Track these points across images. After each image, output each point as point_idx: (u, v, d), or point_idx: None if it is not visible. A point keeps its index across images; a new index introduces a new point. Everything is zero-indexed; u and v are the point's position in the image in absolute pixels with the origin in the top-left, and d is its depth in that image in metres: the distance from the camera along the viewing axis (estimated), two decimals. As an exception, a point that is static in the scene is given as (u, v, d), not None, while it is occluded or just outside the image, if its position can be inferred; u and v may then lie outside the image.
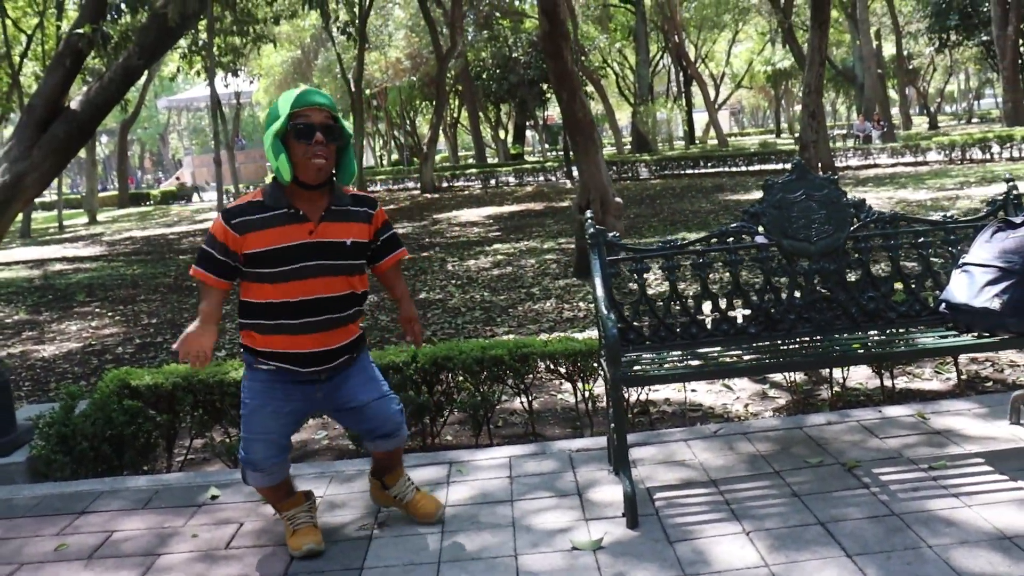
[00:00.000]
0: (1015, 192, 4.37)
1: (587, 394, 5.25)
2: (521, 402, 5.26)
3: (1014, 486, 3.72)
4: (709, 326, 4.26)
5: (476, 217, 21.52)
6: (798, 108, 74.65)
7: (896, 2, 42.32)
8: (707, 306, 4.32)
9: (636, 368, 3.91)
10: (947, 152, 26.02)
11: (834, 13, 37.29)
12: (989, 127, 35.10)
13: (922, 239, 4.38)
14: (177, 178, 50.06)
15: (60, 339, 10.27)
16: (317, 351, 3.52)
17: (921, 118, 54.16)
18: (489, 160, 44.57)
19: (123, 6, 16.40)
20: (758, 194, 21.49)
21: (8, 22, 28.20)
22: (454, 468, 4.44)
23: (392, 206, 27.46)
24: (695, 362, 4.02)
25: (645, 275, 4.26)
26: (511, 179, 33.49)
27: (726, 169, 29.42)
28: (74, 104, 19.99)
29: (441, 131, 39.51)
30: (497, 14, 39.49)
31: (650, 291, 7.76)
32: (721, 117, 49.75)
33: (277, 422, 3.56)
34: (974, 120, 52.16)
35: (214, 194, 44.55)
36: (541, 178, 32.84)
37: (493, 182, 33.21)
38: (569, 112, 11.00)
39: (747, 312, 4.29)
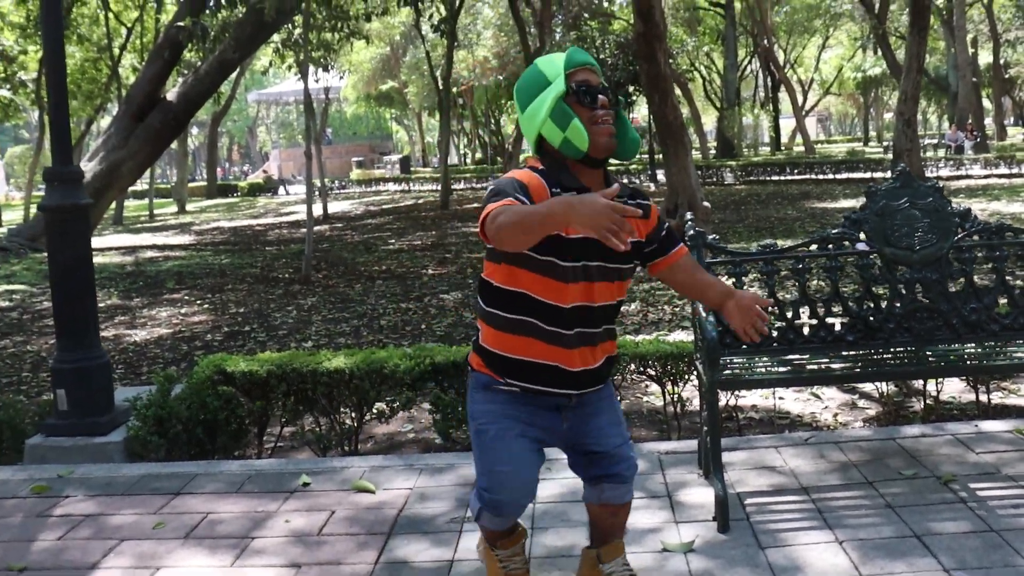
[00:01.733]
0: None
1: (676, 397, 5.23)
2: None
3: (1119, 507, 3.63)
4: (806, 332, 4.22)
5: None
6: (887, 116, 73.38)
7: (995, 9, 41.29)
8: (804, 312, 4.28)
9: (732, 371, 3.89)
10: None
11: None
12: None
13: (1028, 251, 4.30)
14: (264, 171, 50.92)
15: (151, 324, 10.52)
16: (578, 371, 2.87)
17: (1016, 129, 52.80)
18: (572, 162, 44.47)
19: (222, 0, 16.75)
20: (846, 202, 21.31)
21: (110, 15, 28.98)
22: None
23: (475, 204, 27.61)
24: (790, 368, 3.98)
25: (743, 279, 4.23)
26: (594, 181, 33.40)
27: (813, 176, 29.04)
28: (170, 95, 20.54)
29: (525, 131, 39.54)
30: (586, 15, 39.46)
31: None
32: (808, 124, 49.07)
33: (525, 448, 2.88)
34: (1074, 132, 50.67)
35: (300, 187, 45.31)
36: (625, 180, 32.73)
37: (577, 183, 33.14)
38: (660, 115, 10.98)
39: (845, 320, 4.24)
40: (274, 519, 4.00)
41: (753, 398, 5.89)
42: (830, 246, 4.30)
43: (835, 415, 5.58)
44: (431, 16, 23.94)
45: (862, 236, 4.25)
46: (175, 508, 4.20)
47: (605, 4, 42.17)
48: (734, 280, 4.25)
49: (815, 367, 3.98)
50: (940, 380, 5.43)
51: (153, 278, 14.74)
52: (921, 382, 5.49)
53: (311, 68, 21.71)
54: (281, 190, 42.94)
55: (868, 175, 27.57)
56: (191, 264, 16.53)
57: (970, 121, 34.86)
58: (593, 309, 2.83)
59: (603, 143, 2.77)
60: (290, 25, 20.22)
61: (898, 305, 4.22)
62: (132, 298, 12.60)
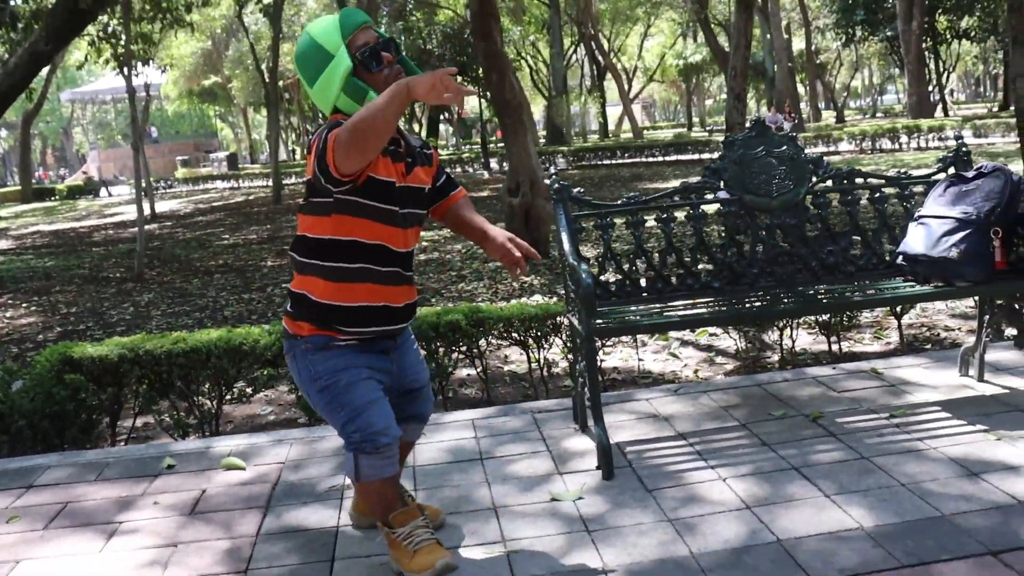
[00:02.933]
0: (964, 149, 4.46)
1: (542, 360, 5.22)
2: (476, 369, 5.21)
3: (972, 428, 3.81)
4: (674, 281, 4.27)
5: (397, 207, 21.36)
6: (709, 103, 75.91)
7: (804, -3, 43.26)
8: (671, 262, 4.33)
9: (604, 321, 3.89)
10: (858, 142, 26.66)
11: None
12: (893, 120, 36.04)
13: (878, 194, 4.45)
14: (84, 172, 48.79)
15: (-27, 330, 9.91)
16: (402, 306, 3.00)
17: (828, 112, 55.39)
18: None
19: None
20: (676, 182, 21.85)
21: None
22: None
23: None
24: (661, 315, 4.02)
25: (609, 231, 4.24)
26: (427, 171, 33.39)
27: (643, 159, 29.78)
28: (-23, 92, 19.34)
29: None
30: (411, 5, 39.31)
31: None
32: (634, 111, 50.25)
33: (380, 388, 2.96)
34: (878, 114, 53.54)
35: (122, 188, 43.61)
36: (459, 169, 32.80)
37: (410, 174, 33.05)
38: (499, 93, 10.97)
39: (711, 267, 4.31)
40: (141, 501, 3.79)
41: (613, 360, 5.95)
42: (693, 195, 4.36)
43: (696, 371, 5.69)
44: (258, 1, 23.35)
45: (723, 185, 4.32)
46: (29, 501, 3.92)
47: (430, -5, 42.11)
48: (601, 232, 4.27)
49: (685, 313, 4.02)
50: (794, 332, 5.60)
51: (-33, 284, 13.89)
52: (776, 334, 5.65)
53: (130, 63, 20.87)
54: (103, 191, 41.24)
55: (696, 156, 28.45)
56: (12, 268, 15.65)
57: (788, 103, 36.34)
58: (410, 252, 3.01)
59: None
60: (106, 16, 19.39)
61: (760, 250, 4.31)
62: (-53, 305, 11.83)
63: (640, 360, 5.97)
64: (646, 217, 4.36)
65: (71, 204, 37.20)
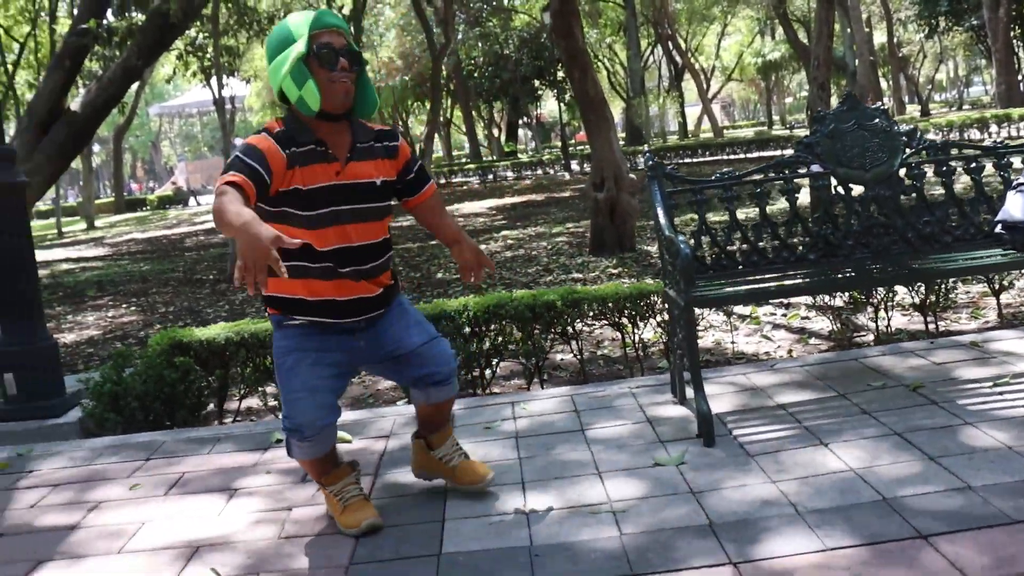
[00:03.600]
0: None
1: (637, 339, 5.27)
2: (571, 349, 5.28)
3: (1082, 396, 3.77)
4: (770, 254, 4.30)
5: (479, 209, 21.57)
6: (788, 100, 74.91)
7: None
8: (765, 235, 4.36)
9: (701, 293, 3.94)
10: (945, 133, 26.13)
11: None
12: (982, 111, 35.26)
13: (974, 164, 4.43)
14: (173, 183, 49.99)
15: (79, 328, 10.27)
16: (352, 299, 3.15)
17: (912, 106, 54.34)
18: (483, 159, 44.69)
19: (127, 1, 16.41)
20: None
21: (0, 31, 28.20)
22: (517, 406, 4.47)
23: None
24: (758, 285, 4.05)
25: (703, 207, 4.29)
26: (508, 174, 33.59)
27: (724, 157, 29.55)
28: (74, 106, 19.99)
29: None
30: (487, 10, 39.56)
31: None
32: (713, 110, 49.85)
33: (320, 375, 3.12)
34: (964, 107, 52.34)
35: (210, 197, 44.52)
36: (539, 171, 32.92)
37: (491, 177, 33.28)
38: (581, 90, 11.03)
39: (806, 240, 4.33)
40: (254, 470, 3.94)
41: (706, 342, 5.97)
42: (786, 170, 4.39)
43: (789, 351, 5.69)
44: (342, 7, 23.75)
45: (815, 159, 4.34)
46: (148, 470, 4.10)
47: (506, 1, 42.32)
48: (696, 208, 4.31)
49: (782, 283, 4.05)
50: (889, 312, 5.57)
51: (72, 288, 14.37)
52: (870, 313, 5.62)
53: (215, 75, 21.37)
54: (192, 201, 42.20)
55: (778, 152, 28.16)
56: (110, 273, 16.15)
57: (870, 98, 35.74)
58: (356, 248, 3.12)
59: (338, 101, 3.08)
60: (193, 31, 19.90)
61: (855, 222, 4.32)
62: (54, 307, 12.25)
63: (733, 342, 5.98)
64: (739, 192, 4.39)
65: (162, 213, 38.17)
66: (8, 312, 5.19)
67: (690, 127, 53.59)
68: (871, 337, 5.64)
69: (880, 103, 28.88)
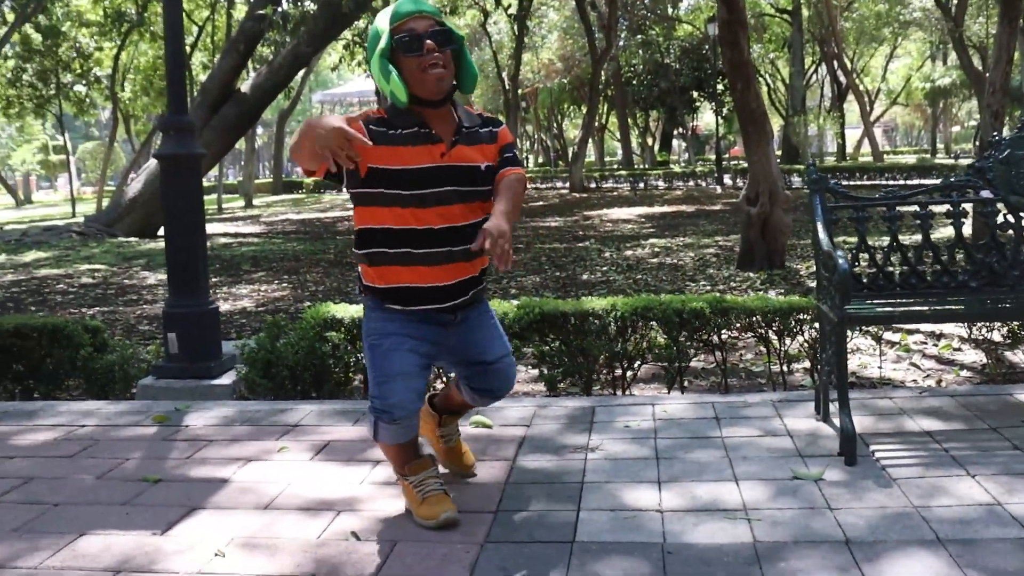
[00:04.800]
0: None
1: (782, 354, 5.22)
2: (715, 358, 5.26)
3: None
4: (929, 278, 4.20)
5: (627, 215, 21.55)
6: (955, 129, 72.25)
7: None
8: (927, 258, 4.26)
9: (861, 308, 3.89)
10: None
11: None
12: None
13: None
14: (329, 169, 51.42)
15: (233, 299, 10.69)
16: (456, 282, 3.18)
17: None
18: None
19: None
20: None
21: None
22: (657, 407, 4.49)
23: (541, 203, 27.69)
24: (913, 308, 3.97)
25: (866, 224, 4.23)
26: (659, 183, 33.44)
27: (882, 182, 28.74)
28: (244, 88, 20.81)
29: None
30: (650, 18, 39.43)
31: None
32: (874, 134, 48.46)
33: (414, 363, 3.15)
34: None
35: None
36: (690, 183, 32.67)
37: (642, 185, 33.18)
38: (743, 102, 10.92)
39: (968, 266, 4.22)
40: (396, 446, 4.06)
41: (852, 366, 5.85)
42: (954, 193, 4.29)
43: (938, 381, 5.53)
44: (509, 6, 24.06)
45: (986, 183, 4.22)
46: (296, 436, 4.28)
47: (670, 10, 42.10)
48: (857, 225, 4.25)
49: (938, 307, 3.96)
50: (1049, 347, 5.36)
51: (228, 261, 14.96)
52: (1029, 349, 5.42)
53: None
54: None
55: (939, 180, 27.25)
56: (265, 250, 16.75)
57: (1044, 131, 34.18)
58: (460, 228, 3.13)
59: (430, 86, 3.08)
60: (362, 22, 20.44)
61: (1022, 252, 4.19)
62: (212, 278, 12.78)
63: (880, 367, 5.86)
64: (903, 211, 4.31)
65: (316, 197, 39.36)
66: (177, 275, 5.48)
67: (849, 149, 52.26)
68: (1027, 374, 5.44)
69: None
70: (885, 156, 49.86)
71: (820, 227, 4.01)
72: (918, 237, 4.35)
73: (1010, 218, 4.22)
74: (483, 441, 4.10)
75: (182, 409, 4.81)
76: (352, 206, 3.24)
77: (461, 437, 3.71)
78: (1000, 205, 4.24)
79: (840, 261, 3.58)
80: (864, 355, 6.12)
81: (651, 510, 3.25)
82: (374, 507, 3.38)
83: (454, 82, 3.17)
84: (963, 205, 4.27)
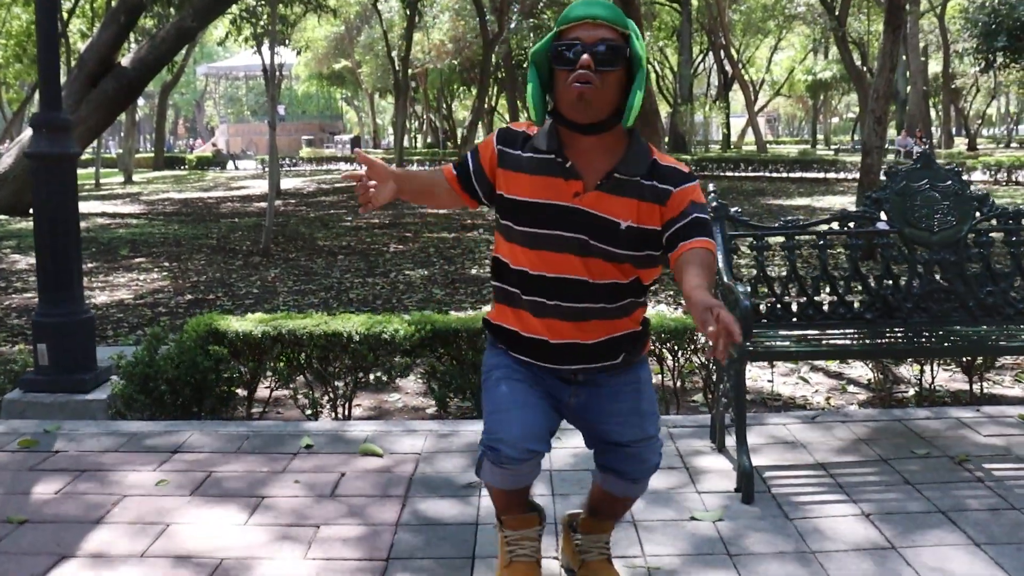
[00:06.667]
0: None
1: (676, 373, 5.19)
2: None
3: None
4: (825, 309, 4.21)
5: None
6: (834, 121, 74.37)
7: (946, 19, 41.99)
8: (824, 288, 4.27)
9: (756, 342, 3.86)
10: (992, 173, 25.84)
11: (880, 27, 37.04)
12: (1031, 152, 34.88)
13: (1046, 237, 4.32)
14: (213, 144, 50.21)
15: (110, 289, 10.27)
16: (563, 343, 2.66)
17: (960, 139, 53.80)
18: (524, 149, 44.58)
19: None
20: (800, 200, 21.54)
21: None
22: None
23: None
24: (809, 342, 3.97)
25: (764, 253, 4.21)
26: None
27: (766, 174, 29.34)
28: (125, 61, 20.07)
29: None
30: (542, 2, 39.41)
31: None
32: (758, 124, 49.50)
33: (534, 394, 2.67)
34: (1013, 144, 51.81)
35: (248, 162, 44.74)
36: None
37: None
38: (635, 99, 10.94)
39: (864, 298, 4.24)
40: (283, 478, 3.88)
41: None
42: (851, 224, 4.29)
43: (827, 399, 5.59)
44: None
45: (883, 216, 4.24)
46: (175, 465, 4.06)
47: (563, -6, 42.16)
48: (756, 253, 4.23)
49: (837, 343, 3.96)
50: (933, 368, 5.46)
51: (106, 245, 14.42)
52: (916, 369, 5.52)
53: (266, 42, 21.39)
54: (230, 164, 42.36)
55: (821, 175, 27.95)
56: (144, 233, 16.20)
57: (919, 128, 35.39)
58: (575, 282, 2.60)
59: (571, 105, 2.52)
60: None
61: (916, 285, 4.22)
62: (87, 263, 12.27)
63: (770, 381, 5.89)
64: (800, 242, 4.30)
65: (199, 174, 38.35)
66: (48, 282, 5.16)
67: (734, 138, 53.30)
68: (911, 392, 5.53)
69: (927, 140, 28.52)
70: (768, 145, 51.00)
71: (720, 258, 3.97)
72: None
73: (904, 250, 4.24)
74: (373, 473, 3.95)
75: (52, 431, 4.53)
76: None
77: (607, 555, 2.97)
78: (894, 236, 4.26)
79: (742, 298, 3.53)
80: (754, 367, 6.15)
81: (548, 556, 3.15)
82: (258, 557, 3.21)
83: (611, 108, 2.55)
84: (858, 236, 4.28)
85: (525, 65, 36.37)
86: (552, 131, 2.58)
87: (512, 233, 2.64)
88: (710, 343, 2.18)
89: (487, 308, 4.44)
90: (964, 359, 5.32)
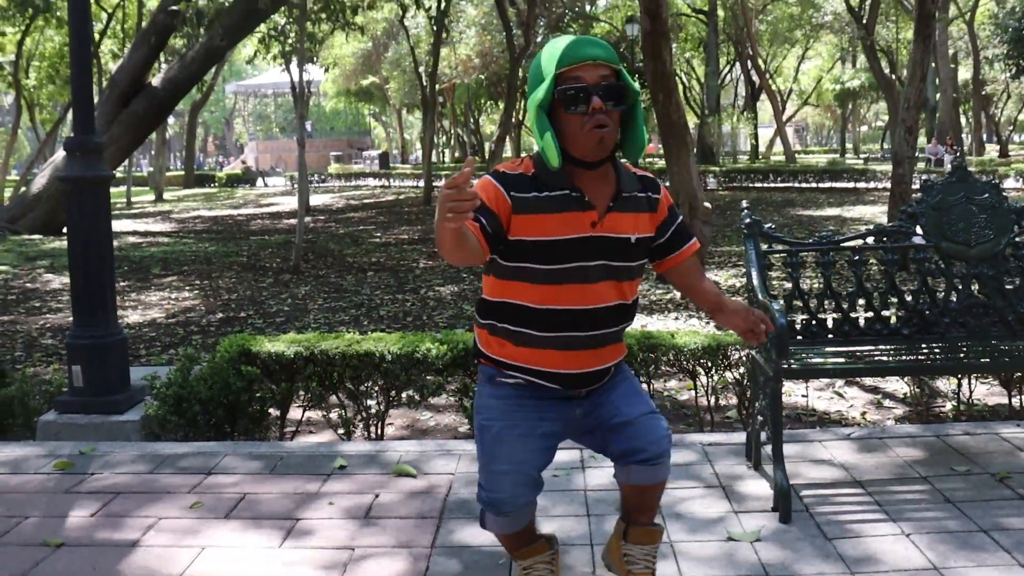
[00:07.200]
0: None
1: (710, 390, 5.15)
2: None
3: None
4: (862, 324, 4.16)
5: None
6: (863, 129, 73.89)
7: (975, 26, 41.68)
8: (860, 304, 4.23)
9: (794, 359, 3.82)
10: (1024, 180, 25.60)
11: (908, 34, 36.78)
12: (1063, 158, 34.52)
13: (1085, 250, 4.25)
14: (243, 162, 50.56)
15: (142, 307, 10.36)
16: (584, 372, 2.74)
17: (991, 146, 53.32)
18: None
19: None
20: (830, 211, 21.41)
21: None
22: (587, 453, 4.36)
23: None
24: (849, 359, 3.93)
25: (800, 270, 4.17)
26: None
27: (795, 184, 29.18)
28: (155, 81, 20.26)
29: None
30: (568, 17, 39.47)
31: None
32: (786, 133, 49.25)
33: (529, 447, 2.73)
34: (1045, 151, 51.26)
35: (278, 179, 45.01)
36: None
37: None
38: (664, 114, 10.90)
39: (901, 313, 4.19)
40: (317, 500, 3.88)
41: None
42: (886, 239, 4.25)
43: (863, 413, 5.53)
44: (429, 8, 23.82)
45: (918, 230, 4.19)
46: (209, 487, 4.06)
47: (588, 8, 42.21)
48: (791, 270, 4.19)
49: (875, 359, 3.92)
50: (972, 382, 5.39)
51: (138, 263, 14.54)
52: (954, 383, 5.45)
53: (294, 60, 21.50)
54: (260, 181, 42.63)
55: (851, 184, 27.75)
56: (175, 251, 16.32)
57: (950, 135, 35.11)
58: (597, 310, 2.68)
59: (590, 149, 2.59)
60: (277, 15, 20.02)
61: (954, 300, 4.17)
62: (119, 281, 12.37)
63: (804, 396, 5.84)
64: (836, 257, 4.26)
65: (229, 192, 38.60)
66: (82, 303, 5.20)
67: (762, 148, 53.06)
68: (949, 406, 5.46)
69: (958, 148, 28.31)
70: (797, 155, 50.74)
71: (755, 274, 3.93)
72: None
73: (941, 264, 4.19)
74: (407, 495, 3.94)
75: (87, 453, 4.55)
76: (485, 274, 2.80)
77: (653, 563, 2.99)
78: (931, 251, 4.21)
79: (778, 316, 3.50)
80: (789, 382, 6.09)
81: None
82: (294, 577, 3.20)
83: (616, 141, 2.67)
84: (895, 251, 4.23)
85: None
86: (563, 169, 2.62)
87: (534, 274, 2.64)
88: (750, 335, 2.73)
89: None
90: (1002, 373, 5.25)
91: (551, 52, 2.61)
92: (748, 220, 4.08)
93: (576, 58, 2.56)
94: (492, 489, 2.72)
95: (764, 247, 4.14)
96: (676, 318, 8.61)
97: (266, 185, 41.93)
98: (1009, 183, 26.04)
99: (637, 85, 2.65)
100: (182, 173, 45.70)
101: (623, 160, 2.75)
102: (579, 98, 2.55)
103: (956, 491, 3.80)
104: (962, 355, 3.97)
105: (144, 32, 20.75)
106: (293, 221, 19.15)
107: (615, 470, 2.92)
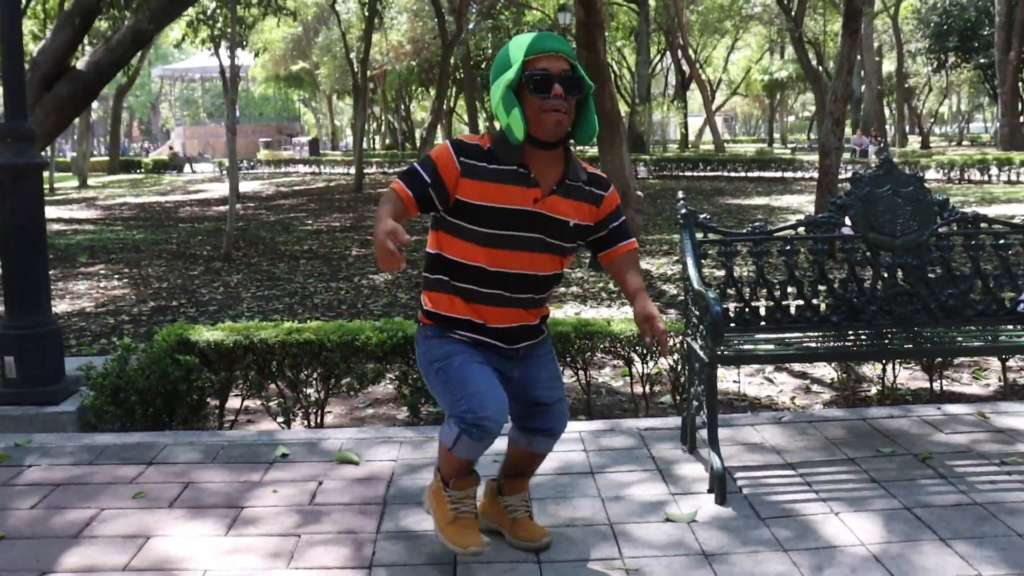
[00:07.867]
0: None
1: (645, 377, 5.26)
2: (578, 379, 5.27)
3: (1092, 486, 3.77)
4: (793, 312, 4.30)
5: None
6: (790, 119, 75.07)
7: (899, 20, 42.58)
8: (791, 293, 4.36)
9: (726, 346, 3.94)
10: (945, 171, 26.24)
11: (835, 27, 37.47)
12: (981, 149, 35.42)
13: (1002, 240, 4.43)
14: (170, 147, 49.74)
15: (70, 297, 10.21)
16: (516, 326, 3.14)
17: (914, 137, 54.53)
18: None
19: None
20: (759, 200, 21.77)
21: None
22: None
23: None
24: (780, 345, 4.06)
25: (733, 259, 4.29)
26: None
27: (724, 173, 29.59)
28: (80, 64, 19.78)
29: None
30: (500, 4, 39.45)
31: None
32: (716, 123, 49.84)
33: (491, 375, 3.04)
34: (964, 142, 52.60)
35: (205, 165, 44.40)
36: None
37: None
38: (598, 103, 10.99)
39: (830, 301, 4.34)
40: (261, 489, 3.90)
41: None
42: (816, 229, 4.39)
43: (792, 398, 5.69)
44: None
45: (847, 221, 4.34)
46: (151, 477, 4.06)
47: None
48: (724, 259, 4.31)
49: (806, 345, 4.06)
50: (895, 367, 5.58)
51: (63, 251, 14.30)
52: (879, 368, 5.64)
53: (223, 44, 21.23)
54: (187, 168, 42.01)
55: (779, 174, 28.23)
56: (103, 239, 16.08)
57: (874, 127, 35.85)
58: (529, 276, 3.08)
59: (548, 129, 2.98)
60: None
61: (880, 288, 4.33)
62: (47, 271, 12.14)
63: (736, 382, 5.99)
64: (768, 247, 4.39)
65: (156, 178, 38.00)
66: (15, 294, 5.13)
67: (691, 137, 53.64)
68: (874, 390, 5.65)
69: (882, 139, 28.87)
70: (726, 145, 51.41)
71: (691, 264, 4.04)
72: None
73: (868, 254, 4.34)
74: (350, 482, 3.98)
75: (23, 445, 4.51)
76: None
77: (529, 510, 3.43)
78: (859, 241, 4.36)
79: (713, 304, 3.61)
80: (720, 368, 6.23)
81: (528, 561, 3.21)
82: (241, 566, 3.23)
83: (569, 130, 3.07)
84: (825, 242, 4.37)
85: (484, 67, 36.20)
86: (513, 146, 3.03)
87: (470, 233, 3.04)
88: (646, 339, 3.05)
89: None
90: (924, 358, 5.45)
91: (519, 42, 3.04)
92: (684, 211, 4.18)
93: (542, 49, 3.00)
94: (478, 410, 2.92)
95: (699, 236, 4.25)
96: (609, 306, 8.74)
97: (194, 171, 41.36)
98: (931, 174, 26.68)
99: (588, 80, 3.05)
100: (106, 159, 44.83)
101: (577, 150, 3.01)
102: (543, 84, 2.96)
103: (881, 471, 3.96)
104: (887, 341, 4.13)
105: (68, 13, 20.18)
106: (222, 208, 18.98)
107: (513, 435, 3.33)
